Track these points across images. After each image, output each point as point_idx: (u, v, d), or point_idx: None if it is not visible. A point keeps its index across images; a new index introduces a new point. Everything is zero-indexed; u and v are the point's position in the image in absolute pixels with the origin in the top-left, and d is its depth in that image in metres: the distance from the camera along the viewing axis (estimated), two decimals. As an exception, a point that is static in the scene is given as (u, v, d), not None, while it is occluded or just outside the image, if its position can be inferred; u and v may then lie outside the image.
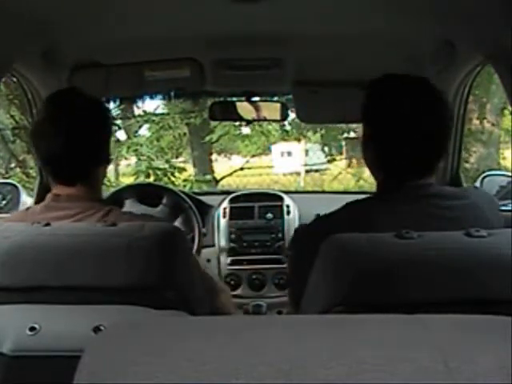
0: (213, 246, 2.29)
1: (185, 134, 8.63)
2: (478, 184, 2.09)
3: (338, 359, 0.44)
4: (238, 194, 2.39)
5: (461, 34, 1.37)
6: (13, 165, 6.84)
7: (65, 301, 0.96)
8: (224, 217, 2.28)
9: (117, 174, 9.10)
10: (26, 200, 2.13)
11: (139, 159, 7.66)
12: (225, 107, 2.17)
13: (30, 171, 6.05)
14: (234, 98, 2.14)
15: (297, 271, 1.15)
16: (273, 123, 7.39)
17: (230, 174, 8.45)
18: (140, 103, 7.18)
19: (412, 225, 0.89)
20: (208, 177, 7.71)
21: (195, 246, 2.09)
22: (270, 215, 2.26)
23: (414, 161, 1.07)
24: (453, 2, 1.22)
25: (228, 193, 2.44)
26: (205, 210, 2.31)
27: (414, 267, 0.83)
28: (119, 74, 1.74)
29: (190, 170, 8.17)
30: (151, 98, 2.49)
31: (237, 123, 6.86)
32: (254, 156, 9.28)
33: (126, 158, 8.72)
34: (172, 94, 2.03)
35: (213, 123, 7.67)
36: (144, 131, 8.84)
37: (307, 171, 9.65)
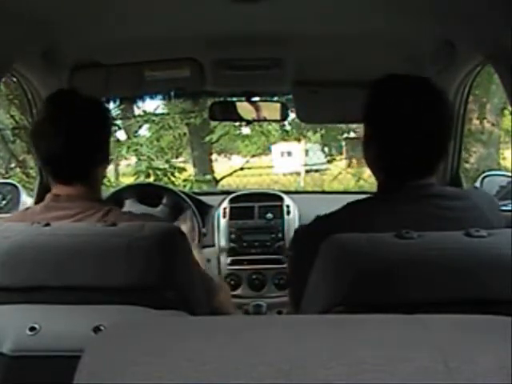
0: (213, 245, 2.28)
1: (185, 133, 8.63)
2: (477, 184, 2.09)
3: (338, 359, 0.44)
4: (238, 194, 2.39)
5: (461, 33, 1.37)
6: (13, 165, 6.84)
7: (65, 301, 0.96)
8: (224, 217, 2.28)
9: (117, 174, 9.10)
10: (26, 200, 2.13)
11: (139, 159, 7.66)
12: (225, 107, 2.17)
13: (30, 171, 6.06)
14: (234, 98, 2.14)
15: (297, 271, 1.15)
16: (273, 123, 7.39)
17: (230, 174, 8.46)
18: (140, 103, 7.19)
19: (412, 225, 0.89)
20: (208, 177, 7.71)
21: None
22: (270, 215, 2.26)
23: (415, 161, 1.07)
24: (453, 2, 1.22)
25: (228, 193, 2.44)
26: (205, 210, 2.31)
27: (414, 267, 0.83)
28: (119, 73, 1.74)
29: (190, 169, 8.17)
30: (151, 98, 2.49)
31: (237, 123, 6.85)
32: (254, 156, 9.29)
33: (126, 158, 8.73)
34: (172, 93, 2.03)
35: (213, 123, 7.67)
36: (144, 131, 8.85)
37: (307, 171, 9.65)
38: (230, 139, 9.42)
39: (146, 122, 8.45)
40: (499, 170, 5.53)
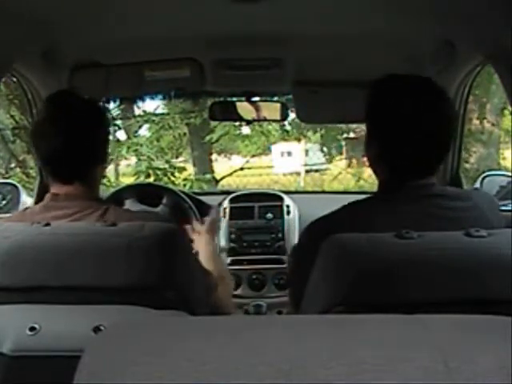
0: (213, 245, 2.28)
1: (185, 134, 8.63)
2: (478, 184, 2.09)
3: (338, 359, 0.44)
4: (238, 194, 2.39)
5: (461, 33, 1.37)
6: (13, 165, 6.84)
7: (65, 301, 0.96)
8: (224, 217, 2.28)
9: (117, 174, 9.11)
10: (26, 200, 2.13)
11: (139, 159, 7.66)
12: (225, 107, 2.17)
13: (30, 171, 6.06)
14: (234, 98, 2.14)
15: (298, 271, 1.15)
16: (273, 123, 7.39)
17: (230, 174, 8.46)
18: (140, 103, 7.20)
19: (412, 225, 0.89)
20: (208, 176, 7.71)
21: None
22: (270, 215, 2.26)
23: (415, 160, 1.07)
24: (453, 2, 1.22)
25: (228, 193, 2.44)
26: (205, 210, 2.31)
27: (414, 267, 0.83)
28: (119, 73, 1.74)
29: (190, 169, 8.17)
30: (151, 98, 2.50)
31: (237, 123, 6.86)
32: (254, 156, 9.29)
33: (126, 158, 8.73)
34: (172, 93, 2.03)
35: (213, 123, 7.67)
36: (144, 131, 8.85)
37: (307, 171, 9.65)
38: (230, 139, 9.42)
39: (146, 121, 8.45)
40: (499, 169, 5.53)
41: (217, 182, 7.92)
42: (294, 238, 2.19)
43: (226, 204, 2.31)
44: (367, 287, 0.82)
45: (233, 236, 2.25)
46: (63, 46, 1.51)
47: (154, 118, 8.21)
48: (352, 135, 8.90)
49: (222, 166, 9.78)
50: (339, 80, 1.85)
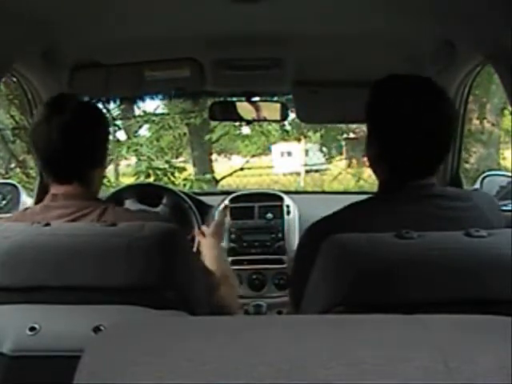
0: (213, 245, 2.28)
1: (185, 134, 8.63)
2: (477, 184, 2.09)
3: (338, 359, 0.44)
4: (238, 194, 2.39)
5: (461, 33, 1.37)
6: (13, 165, 6.84)
7: (65, 301, 0.96)
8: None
9: (117, 174, 9.10)
10: (26, 200, 2.13)
11: (139, 159, 7.66)
12: (225, 107, 2.17)
13: (30, 171, 6.06)
14: (234, 98, 2.14)
15: (298, 271, 1.15)
16: (273, 123, 7.39)
17: (230, 174, 8.46)
18: (140, 103, 7.19)
19: (413, 225, 0.89)
20: (208, 176, 7.71)
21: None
22: (270, 215, 2.26)
23: (415, 161, 1.07)
24: (453, 2, 1.22)
25: (228, 193, 2.44)
26: (205, 210, 2.31)
27: (414, 267, 0.83)
28: (119, 73, 1.74)
29: (190, 169, 8.17)
30: (151, 98, 2.49)
31: (237, 123, 6.86)
32: (254, 156, 9.29)
33: (126, 158, 8.73)
34: (172, 93, 2.03)
35: (213, 123, 7.67)
36: (144, 131, 8.86)
37: (307, 171, 9.65)
38: (230, 139, 9.43)
39: (146, 122, 8.45)
40: (499, 170, 5.53)
41: (217, 182, 7.92)
42: (294, 238, 2.19)
43: (225, 204, 2.31)
44: (367, 287, 0.82)
45: (233, 236, 2.25)
46: (63, 46, 1.51)
47: (153, 118, 8.22)
48: (352, 135, 8.91)
49: (221, 166, 9.78)
50: (339, 80, 1.85)
